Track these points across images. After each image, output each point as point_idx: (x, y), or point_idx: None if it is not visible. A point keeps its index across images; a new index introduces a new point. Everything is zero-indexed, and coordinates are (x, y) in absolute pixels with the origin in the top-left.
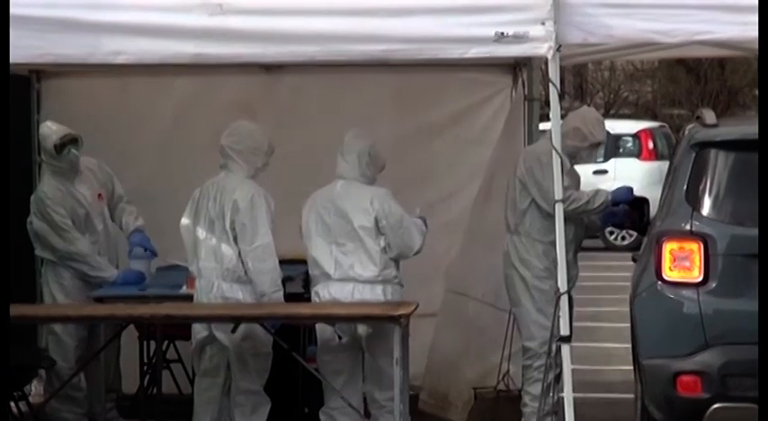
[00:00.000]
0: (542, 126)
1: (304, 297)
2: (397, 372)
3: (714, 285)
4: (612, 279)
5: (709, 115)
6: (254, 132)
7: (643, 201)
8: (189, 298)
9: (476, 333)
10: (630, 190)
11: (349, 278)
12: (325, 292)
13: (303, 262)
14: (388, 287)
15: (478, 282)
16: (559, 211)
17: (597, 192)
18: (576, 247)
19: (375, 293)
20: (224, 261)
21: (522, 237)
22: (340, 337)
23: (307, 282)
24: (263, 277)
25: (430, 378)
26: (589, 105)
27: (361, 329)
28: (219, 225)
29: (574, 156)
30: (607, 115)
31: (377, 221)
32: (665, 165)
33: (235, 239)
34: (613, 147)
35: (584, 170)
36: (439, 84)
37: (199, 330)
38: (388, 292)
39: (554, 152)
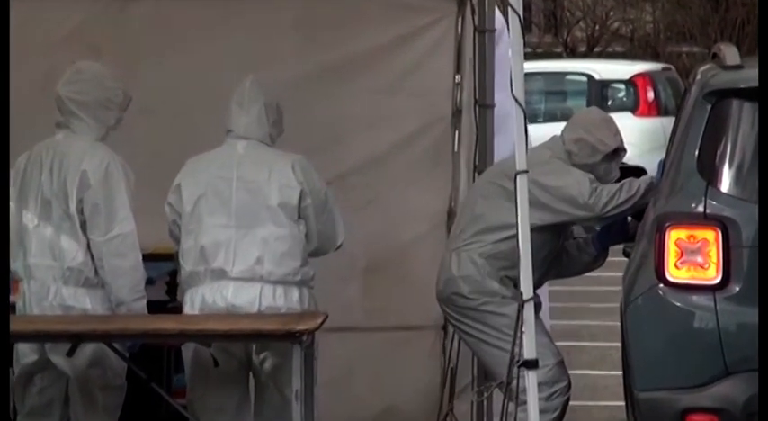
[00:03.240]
0: None
1: (168, 306)
2: (296, 409)
3: (737, 289)
4: (597, 281)
5: (730, 53)
6: (103, 78)
7: (639, 175)
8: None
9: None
10: (622, 227)
11: (255, 277)
12: (210, 296)
13: (167, 258)
14: (305, 291)
15: None
16: (522, 185)
17: (626, 181)
18: (543, 276)
19: (290, 299)
20: (65, 257)
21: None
22: (216, 363)
23: (172, 286)
24: (122, 279)
25: None
26: (566, 40)
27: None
28: (59, 207)
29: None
30: (590, 54)
31: (302, 197)
32: (669, 122)
33: (82, 227)
34: (599, 98)
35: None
36: (355, 9)
37: (25, 353)
38: (306, 298)
39: (515, 106)
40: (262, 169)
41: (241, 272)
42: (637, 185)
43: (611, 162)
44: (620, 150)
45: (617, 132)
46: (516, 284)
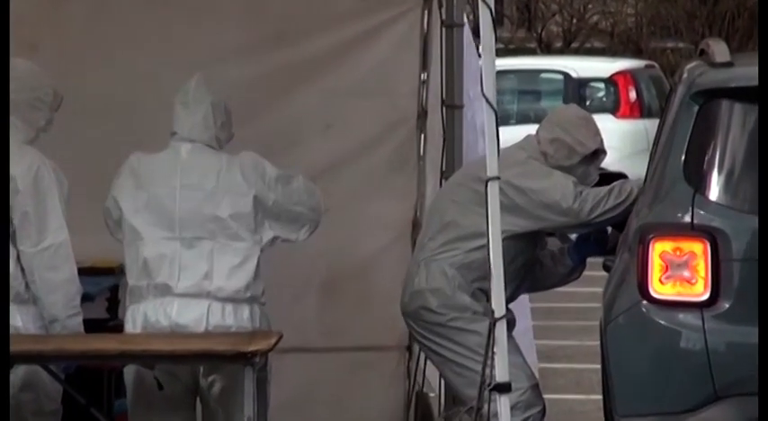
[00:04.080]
0: None
1: (109, 325)
2: None
3: (727, 306)
4: (574, 297)
5: (719, 49)
6: (33, 76)
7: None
8: None
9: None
10: (602, 237)
11: (202, 293)
12: (153, 314)
13: (107, 272)
14: (256, 308)
15: None
16: (492, 193)
17: (617, 184)
18: (517, 288)
19: (240, 317)
20: None
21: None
22: (161, 386)
23: (113, 303)
24: (55, 295)
25: None
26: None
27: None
28: None
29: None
30: (567, 50)
31: (258, 202)
32: (653, 124)
33: (12, 237)
34: (576, 98)
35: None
36: (312, 1)
37: None
38: (257, 316)
39: (485, 105)
40: (208, 176)
41: (187, 287)
42: (628, 189)
43: (590, 165)
44: (600, 152)
45: (597, 132)
46: (490, 297)
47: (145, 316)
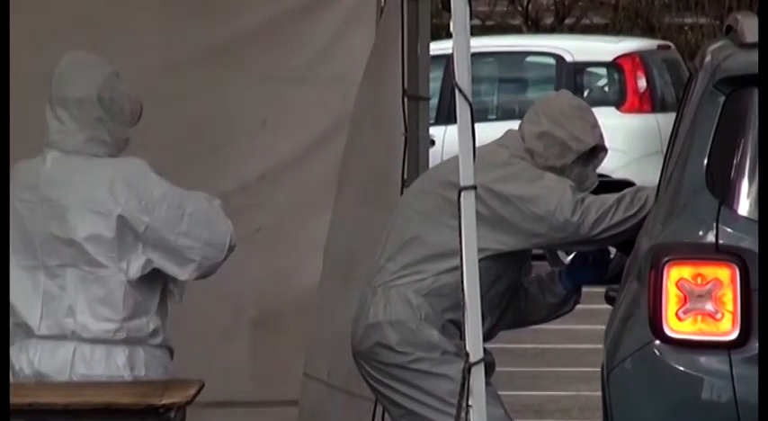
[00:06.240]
0: (436, 48)
1: None
2: None
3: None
4: (569, 336)
5: (750, 25)
6: None
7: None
8: None
9: None
10: (603, 258)
11: (66, 334)
12: (17, 361)
13: None
14: (138, 351)
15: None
16: (467, 205)
17: (628, 191)
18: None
19: (113, 364)
20: None
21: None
22: None
23: None
24: None
25: None
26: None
27: None
28: None
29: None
30: (560, 28)
31: (124, 224)
32: (668, 120)
33: None
34: (571, 87)
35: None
36: None
37: None
38: (139, 361)
39: (457, 96)
40: (69, 190)
41: (49, 327)
42: (643, 199)
43: (588, 165)
44: (599, 149)
45: (595, 125)
46: (464, 333)
47: (11, 364)
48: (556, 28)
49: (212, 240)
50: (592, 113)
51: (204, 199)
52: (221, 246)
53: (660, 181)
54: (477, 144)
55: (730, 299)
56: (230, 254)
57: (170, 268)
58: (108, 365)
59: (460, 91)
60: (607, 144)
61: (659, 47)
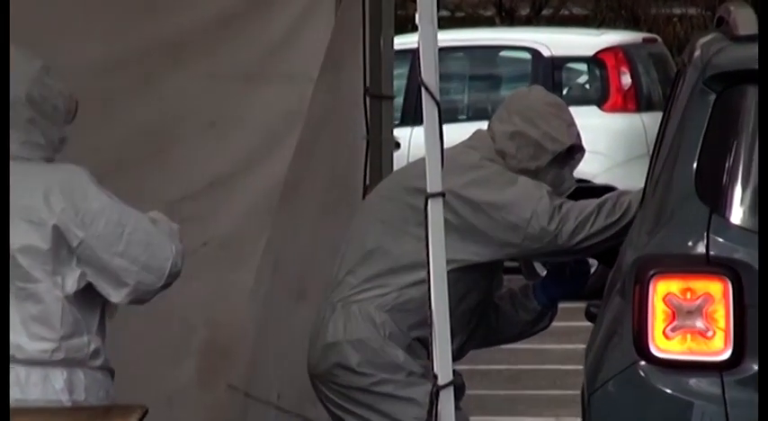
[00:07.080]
0: (401, 42)
1: None
2: None
3: (755, 368)
4: (546, 357)
5: (743, 17)
6: None
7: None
8: None
9: None
10: (582, 270)
11: None
12: None
13: None
14: (78, 373)
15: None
16: (435, 213)
17: (609, 196)
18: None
19: (50, 387)
20: None
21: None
22: None
23: None
24: None
25: None
26: (500, 2)
27: None
28: None
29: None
30: (536, 19)
31: (59, 236)
32: (654, 119)
33: None
34: (548, 83)
35: None
36: None
37: None
38: (79, 384)
39: (424, 95)
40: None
41: None
42: (625, 204)
43: (564, 167)
44: (576, 150)
45: (572, 123)
46: (431, 353)
47: None
48: (532, 20)
49: (151, 264)
50: (567, 111)
51: (147, 218)
52: (160, 271)
53: (646, 186)
54: (445, 146)
55: (722, 315)
56: (173, 280)
57: (103, 287)
58: (45, 389)
59: (427, 89)
60: (588, 146)
61: (645, 40)
